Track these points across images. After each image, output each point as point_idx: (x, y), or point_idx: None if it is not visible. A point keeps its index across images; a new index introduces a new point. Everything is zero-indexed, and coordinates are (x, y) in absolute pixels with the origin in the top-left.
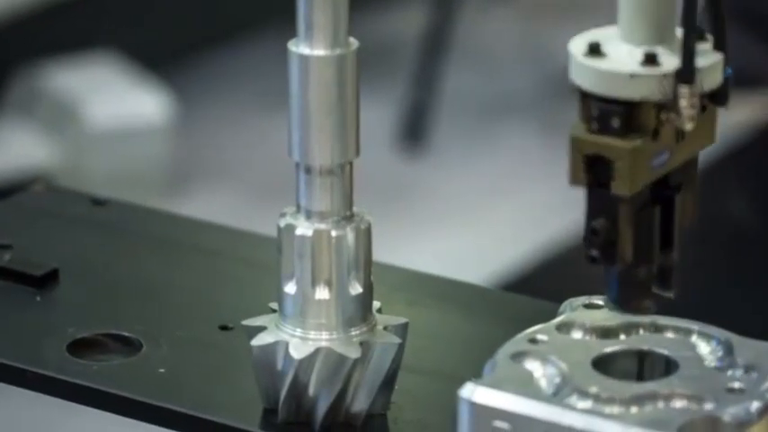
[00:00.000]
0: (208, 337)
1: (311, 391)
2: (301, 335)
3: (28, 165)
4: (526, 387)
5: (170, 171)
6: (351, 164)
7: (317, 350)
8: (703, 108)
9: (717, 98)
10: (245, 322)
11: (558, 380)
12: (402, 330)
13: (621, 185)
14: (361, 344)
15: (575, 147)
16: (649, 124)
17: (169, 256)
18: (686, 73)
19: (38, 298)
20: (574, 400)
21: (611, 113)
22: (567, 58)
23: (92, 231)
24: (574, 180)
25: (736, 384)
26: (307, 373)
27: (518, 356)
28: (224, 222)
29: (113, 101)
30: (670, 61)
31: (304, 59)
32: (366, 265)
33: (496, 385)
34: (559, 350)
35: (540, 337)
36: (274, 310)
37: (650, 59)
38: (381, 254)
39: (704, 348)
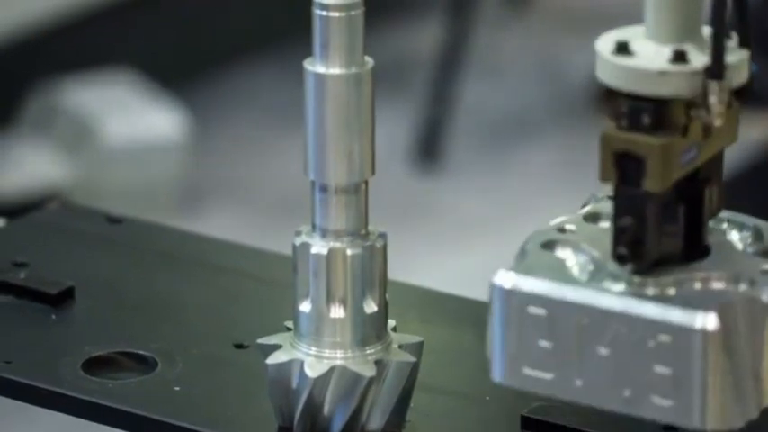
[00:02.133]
0: (223, 356)
1: (326, 409)
2: (316, 353)
3: (44, 182)
4: (559, 273)
5: (184, 188)
6: (366, 182)
7: (332, 368)
8: (728, 104)
9: (741, 95)
10: (260, 340)
11: (591, 267)
12: (417, 349)
13: (653, 182)
14: (377, 362)
15: (605, 144)
16: (679, 121)
17: (184, 274)
18: (716, 69)
19: (53, 316)
20: (608, 284)
21: (642, 111)
22: (583, 74)
23: (107, 249)
24: (604, 177)
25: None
26: (322, 391)
27: (548, 245)
28: (238, 240)
29: (129, 118)
30: (699, 58)
31: (320, 78)
32: (381, 283)
33: (529, 272)
34: (589, 239)
35: (568, 227)
36: (289, 329)
37: (679, 57)
38: (395, 271)
39: (735, 235)
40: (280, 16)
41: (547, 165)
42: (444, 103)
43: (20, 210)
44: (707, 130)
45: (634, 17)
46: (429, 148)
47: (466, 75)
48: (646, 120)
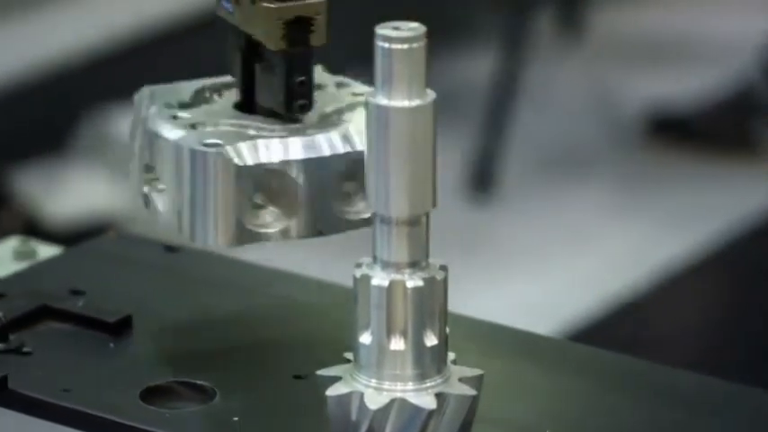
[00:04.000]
0: (281, 386)
1: None
2: (376, 385)
3: (97, 210)
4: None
5: None
6: (428, 215)
7: (392, 401)
8: None
9: None
10: (319, 372)
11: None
12: (477, 382)
13: (319, 38)
14: (437, 395)
15: (275, 17)
16: None
17: (242, 304)
18: None
19: (111, 345)
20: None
21: None
22: (636, 105)
23: (165, 278)
24: (276, 46)
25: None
26: (381, 424)
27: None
28: (291, 268)
29: None
30: None
31: (382, 110)
32: (441, 316)
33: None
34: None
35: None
36: (349, 360)
37: None
38: (450, 303)
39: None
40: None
41: (600, 195)
42: (498, 134)
43: (74, 238)
44: None
45: (687, 47)
46: (483, 178)
47: (520, 105)
48: None
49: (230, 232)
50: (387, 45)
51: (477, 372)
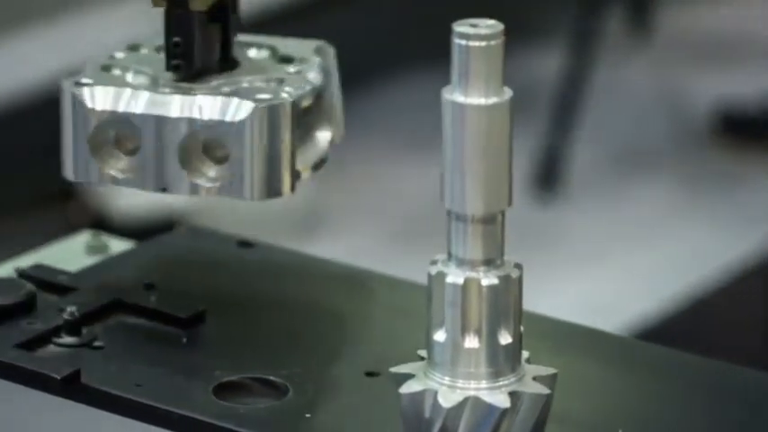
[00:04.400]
0: (354, 383)
1: None
2: (450, 383)
3: (165, 204)
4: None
5: (308, 212)
6: (503, 212)
7: (466, 399)
8: None
9: None
10: (393, 369)
11: (146, 80)
12: (551, 381)
13: (198, 2)
14: (511, 394)
15: None
16: None
17: (316, 300)
18: None
19: (184, 340)
20: (164, 90)
21: None
22: (704, 104)
23: (238, 274)
24: (156, 3)
25: (291, 69)
26: (455, 422)
27: (106, 68)
28: (359, 264)
29: None
30: None
31: (458, 107)
32: (516, 314)
33: (95, 83)
34: (138, 61)
35: (117, 54)
36: (423, 358)
37: None
38: None
39: (253, 52)
40: (403, 38)
41: (667, 194)
42: (566, 133)
43: (143, 232)
44: None
45: (757, 46)
46: (549, 177)
47: (588, 104)
48: None
49: (84, 169)
50: (464, 42)
51: (550, 370)
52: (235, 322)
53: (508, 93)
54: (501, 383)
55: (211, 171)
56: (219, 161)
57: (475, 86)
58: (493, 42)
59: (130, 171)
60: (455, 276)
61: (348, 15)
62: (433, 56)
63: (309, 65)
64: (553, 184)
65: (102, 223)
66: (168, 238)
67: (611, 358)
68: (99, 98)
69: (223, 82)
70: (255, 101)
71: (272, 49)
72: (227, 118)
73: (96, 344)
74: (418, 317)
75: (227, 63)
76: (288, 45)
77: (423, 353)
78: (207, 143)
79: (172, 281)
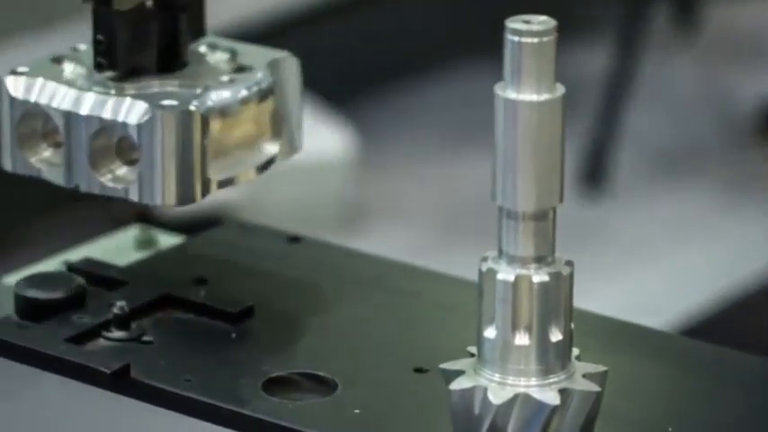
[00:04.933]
0: (403, 379)
1: None
2: (500, 380)
3: (210, 199)
4: (55, 76)
5: (351, 207)
6: (554, 210)
7: (516, 396)
8: None
9: None
10: (443, 366)
11: (84, 75)
12: (601, 378)
13: (121, 1)
14: (561, 391)
15: None
16: None
17: (364, 296)
18: None
19: (233, 335)
20: (94, 88)
21: None
22: (750, 102)
23: (287, 269)
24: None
25: (225, 77)
26: (504, 418)
27: (58, 59)
28: (402, 259)
29: None
30: None
31: (511, 104)
32: (566, 311)
33: (31, 73)
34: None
35: (80, 46)
36: (473, 354)
37: None
38: None
39: (214, 56)
40: (446, 34)
41: (711, 192)
42: (611, 129)
43: (187, 227)
44: None
45: None
46: (595, 174)
47: (633, 100)
48: None
49: (10, 157)
50: (517, 39)
51: (600, 368)
52: (283, 317)
53: (560, 89)
54: (551, 381)
55: (120, 171)
56: (130, 163)
57: (527, 83)
58: (545, 39)
59: (53, 165)
60: (506, 273)
61: (398, 10)
62: (478, 52)
63: (253, 75)
64: (599, 182)
65: (146, 217)
66: (217, 233)
67: (661, 356)
68: (21, 88)
69: (149, 84)
70: (158, 106)
71: (233, 54)
72: (128, 120)
73: (145, 338)
74: (465, 313)
75: (172, 64)
76: (249, 52)
77: (472, 349)
78: (121, 144)
79: (221, 276)
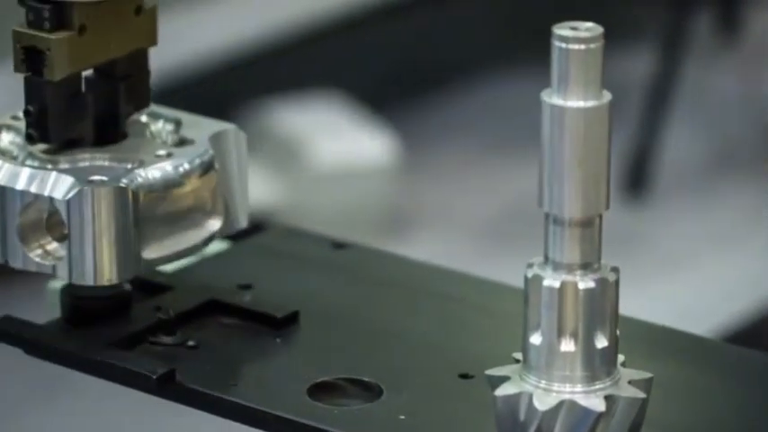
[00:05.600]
0: (448, 385)
1: None
2: (545, 386)
3: (253, 203)
4: None
5: (392, 213)
6: (600, 216)
7: (561, 402)
8: (138, 10)
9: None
10: (488, 372)
11: (19, 146)
12: (647, 385)
13: (51, 72)
14: (606, 398)
15: (15, 39)
16: (77, 21)
17: (409, 302)
18: None
19: (278, 340)
20: (27, 161)
21: (43, 11)
22: None
23: (332, 274)
24: (16, 69)
25: (162, 152)
26: (550, 425)
27: None
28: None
29: (338, 142)
30: None
31: (558, 110)
32: (612, 318)
33: None
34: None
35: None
36: (518, 360)
37: None
38: None
39: (157, 126)
40: (490, 40)
41: (754, 196)
42: (653, 135)
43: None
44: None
45: None
46: (637, 179)
47: (675, 106)
48: (47, 18)
49: None
50: (564, 45)
51: (646, 374)
52: (328, 323)
53: (607, 96)
54: (596, 387)
55: (50, 247)
56: (61, 239)
57: (574, 89)
58: (593, 45)
59: None
60: (552, 280)
61: (442, 16)
62: (523, 59)
63: (195, 149)
64: (641, 187)
65: None
66: (263, 239)
67: (708, 362)
68: None
69: (82, 157)
70: (86, 182)
71: (176, 124)
72: (54, 194)
73: (191, 343)
74: (509, 319)
75: (110, 135)
76: (193, 123)
77: (518, 355)
78: (50, 219)
79: (267, 281)
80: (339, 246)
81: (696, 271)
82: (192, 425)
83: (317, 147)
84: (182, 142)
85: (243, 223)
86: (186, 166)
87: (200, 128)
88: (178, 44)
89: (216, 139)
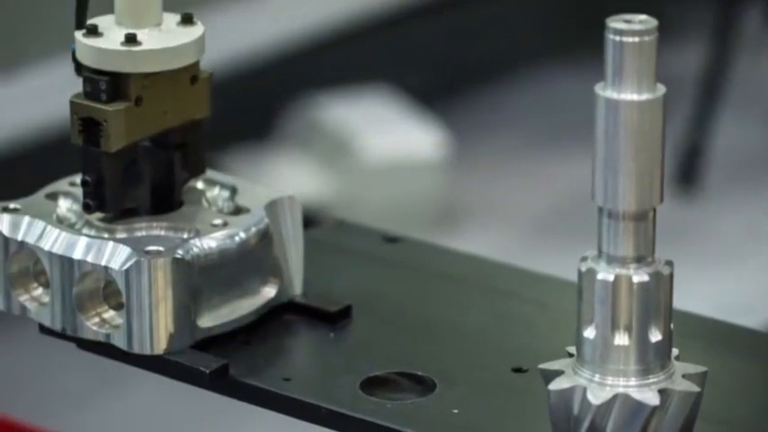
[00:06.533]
0: (501, 379)
1: None
2: (599, 380)
3: (303, 196)
4: (47, 216)
5: (442, 207)
6: (654, 210)
7: (615, 396)
8: (193, 79)
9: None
10: (542, 366)
11: (76, 215)
12: (701, 379)
13: (108, 143)
14: (660, 391)
15: (72, 110)
16: (133, 92)
17: (462, 296)
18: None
19: (331, 334)
20: (84, 229)
21: (100, 82)
22: None
23: (384, 268)
24: (74, 139)
25: (218, 221)
26: (604, 419)
27: (52, 195)
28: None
29: (388, 135)
30: (151, 41)
31: (612, 104)
32: (666, 311)
33: (24, 211)
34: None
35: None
36: (571, 354)
37: (131, 39)
38: None
39: (213, 193)
40: (539, 35)
41: None
42: (704, 128)
43: None
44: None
45: None
46: (689, 173)
47: (726, 100)
48: (103, 90)
49: (4, 296)
50: (618, 38)
51: (700, 368)
52: (381, 317)
53: (661, 89)
54: (650, 381)
55: (107, 315)
56: (117, 308)
57: (628, 82)
58: (647, 38)
59: (40, 303)
60: (606, 273)
61: (495, 10)
62: (572, 54)
63: (250, 217)
64: (692, 182)
65: None
66: (315, 233)
67: (762, 356)
68: (11, 227)
69: (138, 226)
70: (143, 252)
71: (232, 192)
72: (111, 265)
73: (243, 338)
74: (562, 312)
75: (166, 204)
76: (248, 191)
77: (571, 349)
78: (107, 288)
79: (319, 275)
80: (391, 239)
81: (748, 264)
82: (245, 419)
83: (367, 141)
84: (237, 210)
85: (297, 289)
86: (242, 235)
87: (256, 195)
88: (231, 39)
89: (271, 206)
